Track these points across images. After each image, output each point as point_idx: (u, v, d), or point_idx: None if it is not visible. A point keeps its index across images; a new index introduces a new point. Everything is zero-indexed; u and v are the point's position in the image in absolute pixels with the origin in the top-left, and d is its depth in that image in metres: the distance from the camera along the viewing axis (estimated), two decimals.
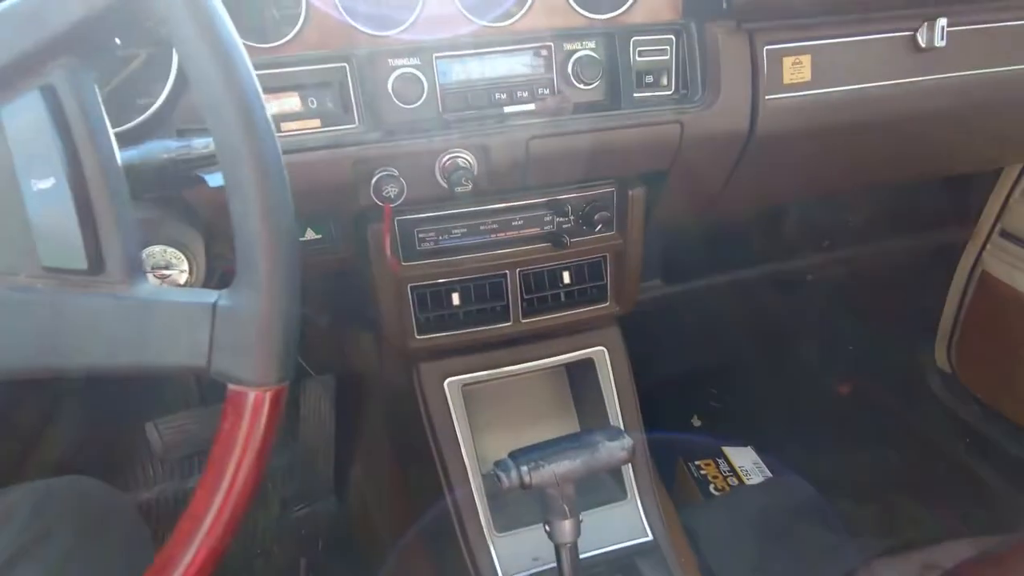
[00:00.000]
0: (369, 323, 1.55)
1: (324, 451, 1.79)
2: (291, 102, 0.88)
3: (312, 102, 0.89)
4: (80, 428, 1.34)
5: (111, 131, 0.48)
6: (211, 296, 0.47)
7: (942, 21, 1.01)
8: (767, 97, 0.98)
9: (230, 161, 0.46)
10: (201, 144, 0.65)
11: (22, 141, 0.46)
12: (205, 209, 0.85)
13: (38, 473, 1.00)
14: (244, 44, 0.84)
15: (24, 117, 0.45)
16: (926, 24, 1.02)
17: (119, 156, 0.49)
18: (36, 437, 1.30)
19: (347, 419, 1.78)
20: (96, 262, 0.47)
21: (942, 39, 1.02)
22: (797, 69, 0.99)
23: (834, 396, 1.91)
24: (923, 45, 1.02)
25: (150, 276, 0.83)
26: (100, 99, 0.48)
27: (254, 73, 0.46)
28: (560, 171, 0.98)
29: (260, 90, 0.46)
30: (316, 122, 0.89)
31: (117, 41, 0.50)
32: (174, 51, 0.81)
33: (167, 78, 0.83)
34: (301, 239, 1.00)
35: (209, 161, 0.66)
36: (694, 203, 1.14)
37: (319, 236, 1.00)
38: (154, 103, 0.84)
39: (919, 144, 1.21)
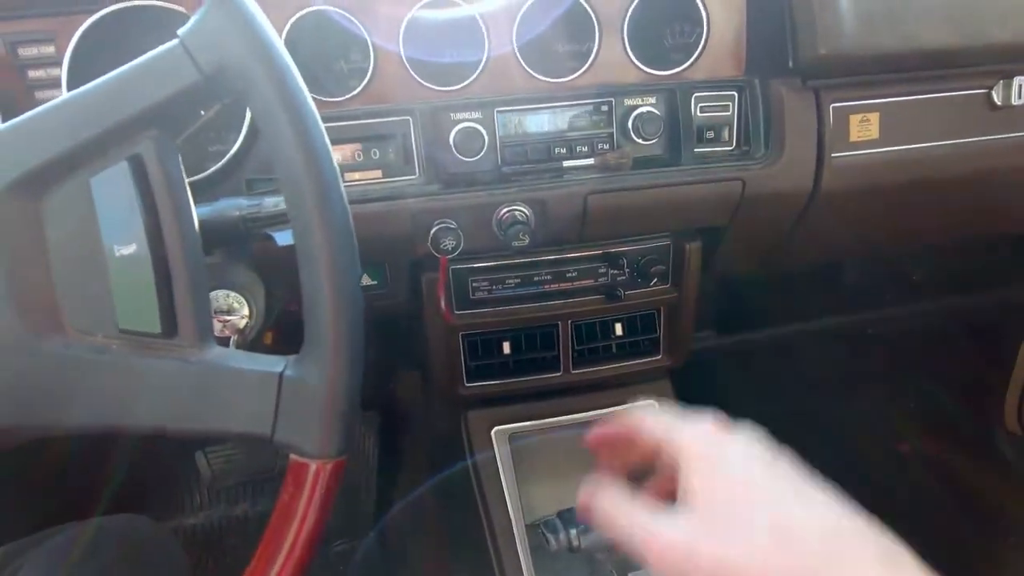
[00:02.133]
0: (415, 362, 1.56)
1: (366, 487, 1.79)
2: (354, 153, 0.91)
3: (375, 153, 0.91)
4: (130, 455, 1.38)
5: (191, 199, 0.50)
6: (278, 365, 0.47)
7: (1020, 79, 0.97)
8: (833, 155, 0.95)
9: (301, 228, 0.47)
10: (271, 203, 0.67)
11: (109, 208, 0.48)
12: (270, 260, 0.87)
13: (89, 503, 1.03)
14: (316, 99, 0.89)
15: (113, 185, 0.47)
16: (1002, 82, 0.98)
17: (196, 221, 0.50)
18: (90, 470, 1.34)
19: (390, 456, 1.78)
20: (169, 326, 0.48)
21: (1020, 97, 0.98)
22: (864, 127, 0.96)
23: (894, 456, 1.82)
24: (999, 103, 0.99)
25: (213, 321, 0.85)
26: (183, 169, 0.50)
27: (328, 143, 0.47)
28: (617, 226, 0.97)
29: (333, 158, 0.47)
30: (378, 173, 0.91)
31: (202, 113, 0.52)
32: None
33: (240, 127, 0.86)
34: None
35: (279, 220, 0.67)
36: (752, 258, 1.11)
37: (375, 282, 1.02)
38: (227, 151, 0.87)
39: (990, 202, 1.16)
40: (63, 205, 0.48)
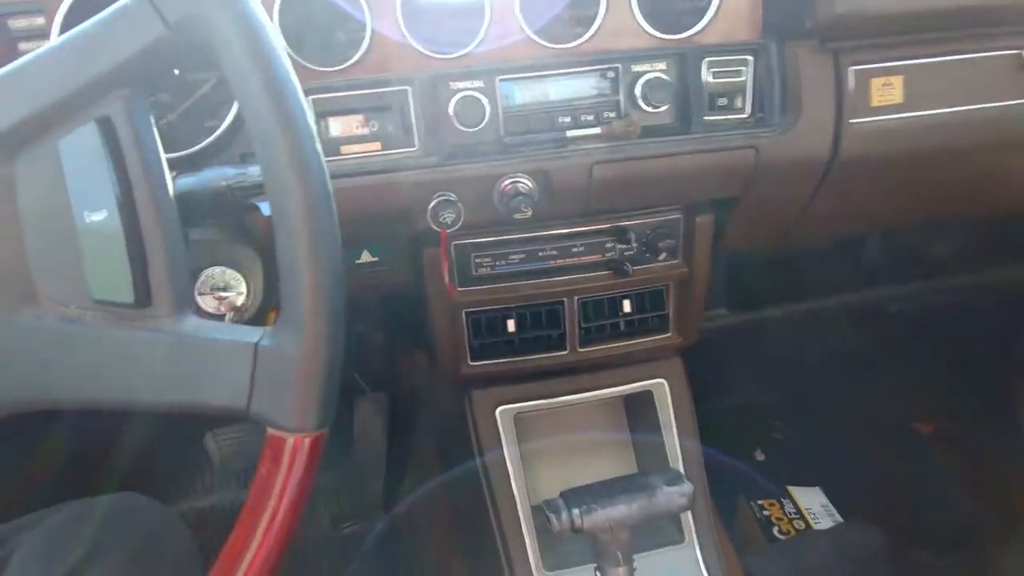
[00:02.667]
0: (424, 342, 1.54)
1: (375, 469, 1.78)
2: (352, 125, 0.88)
3: (373, 125, 0.88)
4: (138, 438, 1.38)
5: (165, 162, 0.48)
6: (254, 335, 0.45)
7: None
8: (852, 121, 0.91)
9: (275, 190, 0.44)
10: (257, 172, 0.64)
11: (78, 173, 0.45)
12: (262, 233, 0.85)
13: (93, 484, 1.03)
14: (308, 67, 0.86)
15: (81, 149, 0.45)
16: None
17: (172, 187, 0.48)
18: (96, 449, 1.34)
19: (399, 437, 1.77)
20: (143, 296, 0.46)
21: None
22: (887, 91, 0.92)
23: (914, 435, 1.77)
24: None
25: (208, 298, 0.83)
26: (155, 129, 0.47)
27: (306, 106, 0.44)
28: (624, 197, 0.94)
29: (312, 125, 0.44)
30: (376, 145, 0.88)
31: (176, 72, 0.49)
32: None
33: (232, 103, 0.84)
34: (357, 261, 0.99)
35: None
36: (767, 231, 1.07)
37: (375, 259, 0.99)
38: (220, 126, 0.84)
39: (1021, 173, 1.11)
40: (33, 170, 0.45)
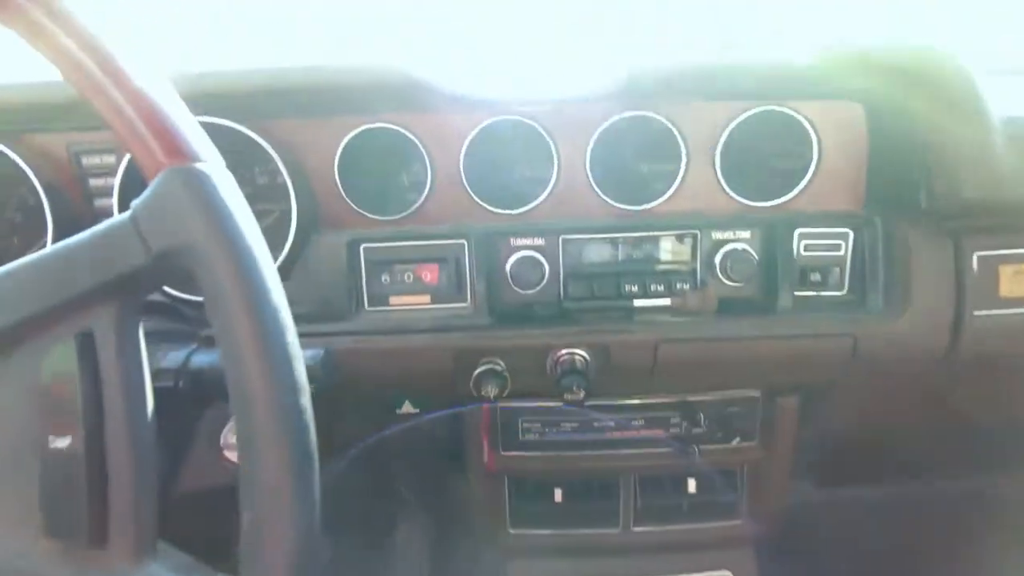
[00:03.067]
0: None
1: None
2: (404, 275, 0.83)
3: (426, 277, 0.83)
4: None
5: (148, 381, 0.42)
6: None
7: None
8: (976, 312, 0.77)
9: (249, 461, 0.37)
10: None
11: (50, 392, 0.41)
12: None
13: None
14: (363, 215, 0.83)
15: (57, 366, 0.41)
16: None
17: (151, 410, 0.42)
18: None
19: (441, 564, 1.66)
20: (98, 536, 0.40)
21: None
22: (1018, 280, 0.78)
23: None
24: None
25: (227, 453, 0.78)
26: (143, 343, 0.43)
27: (293, 362, 0.38)
28: (693, 380, 0.83)
29: (298, 382, 0.38)
30: (426, 298, 0.83)
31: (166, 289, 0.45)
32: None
33: (282, 245, 0.81)
34: (398, 411, 0.93)
35: None
36: (862, 419, 0.92)
37: (416, 410, 0.92)
38: (278, 258, 0.81)
39: None
40: (5, 384, 0.41)
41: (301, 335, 0.78)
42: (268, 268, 0.38)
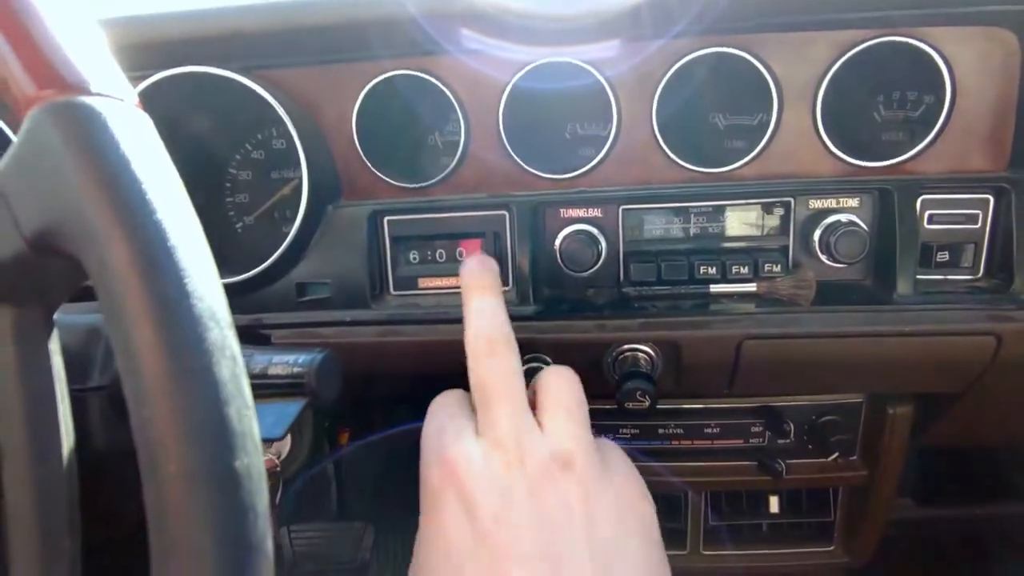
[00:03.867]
0: None
1: None
2: (435, 253, 0.70)
3: (460, 255, 0.70)
4: None
5: (66, 400, 0.31)
6: None
7: None
8: None
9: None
10: (280, 364, 0.47)
11: None
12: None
13: None
14: (388, 183, 0.70)
15: None
16: None
17: (69, 448, 0.31)
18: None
19: None
20: None
21: None
22: None
23: None
24: None
25: None
26: (58, 355, 0.31)
27: (218, 370, 0.25)
28: (782, 383, 0.68)
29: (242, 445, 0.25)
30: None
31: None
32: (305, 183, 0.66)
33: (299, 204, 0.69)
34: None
35: (288, 387, 0.47)
36: (993, 432, 0.76)
37: None
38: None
39: None
40: None
41: (318, 324, 0.67)
42: (191, 255, 0.25)
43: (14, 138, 0.25)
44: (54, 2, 0.26)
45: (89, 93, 0.25)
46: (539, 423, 0.46)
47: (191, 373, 0.23)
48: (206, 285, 0.25)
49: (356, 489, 1.38)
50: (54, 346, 0.31)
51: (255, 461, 0.25)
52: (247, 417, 0.25)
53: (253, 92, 0.65)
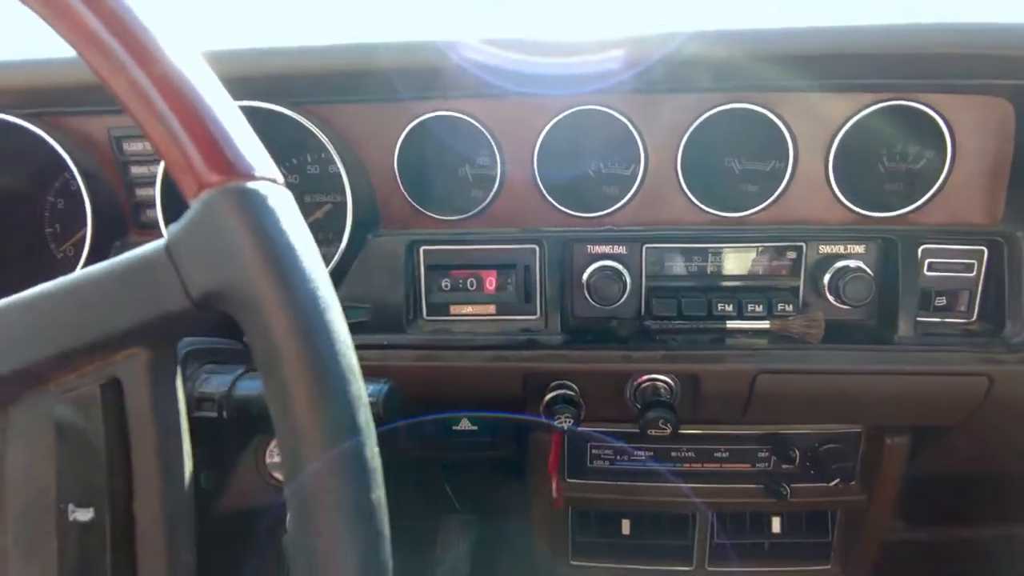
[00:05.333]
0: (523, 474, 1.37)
1: None
2: (467, 281, 0.75)
3: (491, 284, 0.75)
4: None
5: (185, 436, 0.35)
6: None
7: None
8: None
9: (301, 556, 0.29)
10: None
11: (70, 453, 0.34)
12: None
13: None
14: (424, 214, 0.74)
15: (78, 422, 0.33)
16: None
17: (189, 473, 0.35)
18: None
19: (483, 562, 1.60)
20: None
21: None
22: None
23: None
24: None
25: (273, 472, 0.72)
26: (181, 394, 0.35)
27: (367, 441, 0.29)
28: (790, 413, 0.73)
29: (372, 464, 0.29)
30: (491, 308, 0.74)
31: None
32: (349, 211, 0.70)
33: (344, 231, 0.73)
34: (455, 427, 0.85)
35: None
36: (977, 463, 0.81)
37: (475, 428, 0.84)
38: (334, 255, 0.73)
39: None
40: (26, 429, 0.34)
41: (357, 347, 0.71)
42: (335, 319, 0.30)
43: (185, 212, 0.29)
44: (216, 91, 0.30)
45: (254, 178, 0.29)
46: None
47: (339, 421, 0.28)
48: (346, 344, 0.29)
49: None
50: (179, 382, 0.35)
51: (383, 493, 0.29)
52: (376, 455, 0.29)
53: (290, 120, 0.69)
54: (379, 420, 0.51)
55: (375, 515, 0.28)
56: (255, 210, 0.28)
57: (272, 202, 0.29)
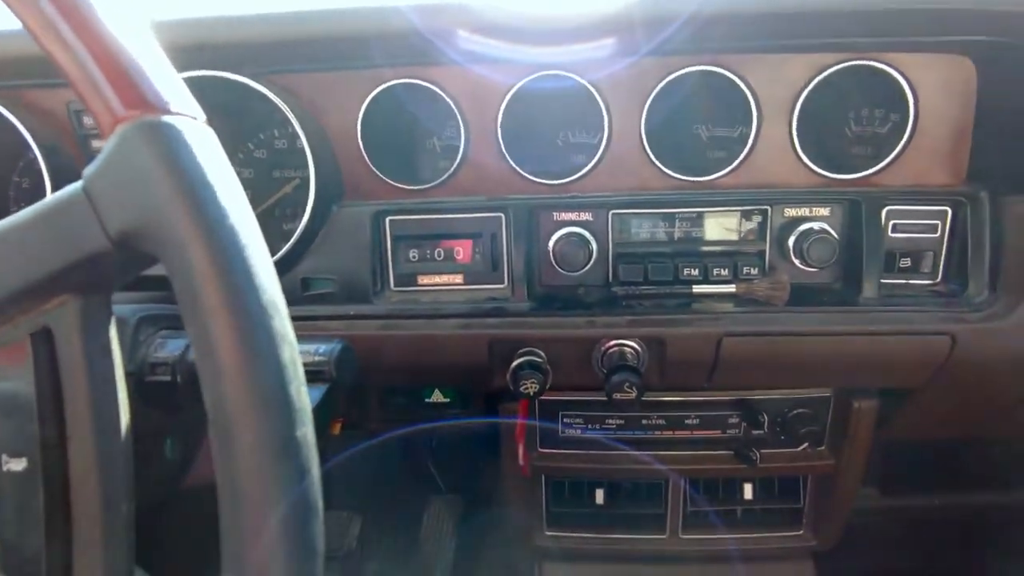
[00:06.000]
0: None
1: (441, 570, 1.63)
2: (434, 252, 0.74)
3: (458, 253, 0.74)
4: None
5: (121, 386, 0.35)
6: None
7: None
8: None
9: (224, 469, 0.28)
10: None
11: (3, 402, 0.33)
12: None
13: None
14: (389, 184, 0.74)
15: (9, 370, 0.33)
16: None
17: (125, 426, 0.34)
18: None
19: (468, 543, 1.61)
20: (59, 575, 0.33)
21: None
22: None
23: None
24: None
25: None
26: (114, 340, 0.35)
27: (284, 363, 0.29)
28: (758, 377, 0.74)
29: (291, 389, 0.29)
30: (459, 278, 0.74)
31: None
32: (311, 188, 0.69)
33: (303, 215, 0.73)
34: (427, 399, 0.85)
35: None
36: (950, 425, 0.82)
37: (447, 399, 0.84)
38: (296, 229, 0.73)
39: None
40: None
41: (322, 318, 0.71)
42: (256, 255, 0.29)
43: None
44: (131, 27, 0.30)
45: (169, 112, 0.29)
46: None
47: (260, 356, 0.28)
48: (268, 279, 0.29)
49: (343, 479, 1.41)
50: (113, 332, 0.35)
51: (310, 431, 0.29)
52: (303, 393, 0.29)
53: (257, 93, 0.68)
54: (331, 380, 0.51)
55: (300, 452, 0.28)
56: (170, 144, 0.28)
57: (188, 136, 0.29)
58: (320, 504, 0.29)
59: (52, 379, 0.33)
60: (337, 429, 1.05)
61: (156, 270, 0.30)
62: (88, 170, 0.29)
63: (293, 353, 0.29)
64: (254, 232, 0.30)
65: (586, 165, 0.70)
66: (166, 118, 0.29)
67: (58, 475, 0.33)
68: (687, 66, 0.67)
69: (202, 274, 0.27)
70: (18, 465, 0.33)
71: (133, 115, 0.28)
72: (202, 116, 0.31)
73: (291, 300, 0.71)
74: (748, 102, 0.68)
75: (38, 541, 0.33)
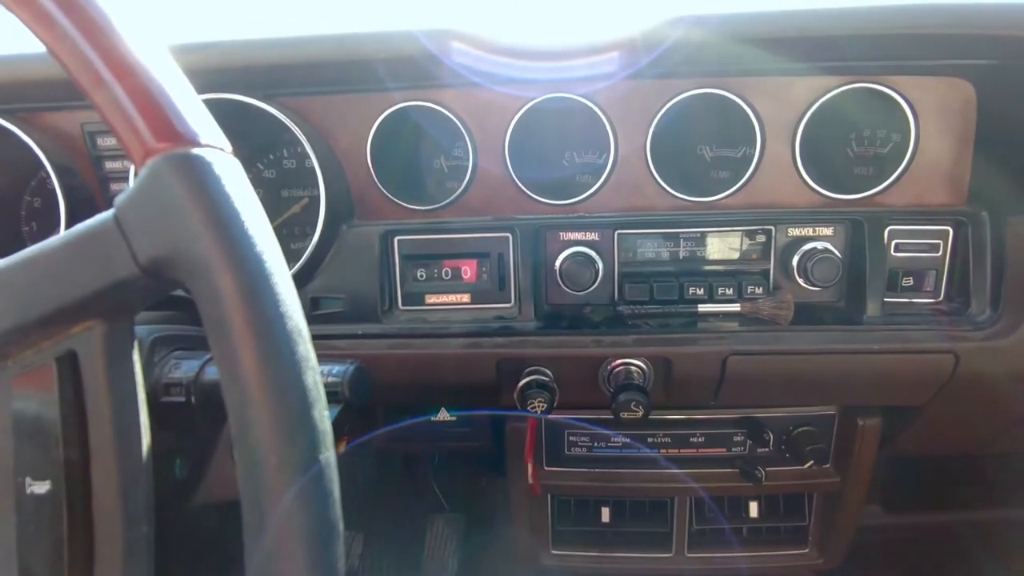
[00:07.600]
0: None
1: None
2: (441, 272, 0.75)
3: (465, 273, 0.75)
4: None
5: (143, 406, 0.35)
6: None
7: None
8: None
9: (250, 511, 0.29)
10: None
11: (26, 427, 0.34)
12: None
13: None
14: (398, 204, 0.75)
15: (34, 395, 0.34)
16: None
17: (146, 448, 0.35)
18: None
19: (471, 563, 1.60)
20: None
21: None
22: None
23: None
24: None
25: None
26: (137, 365, 0.35)
27: (310, 393, 0.30)
28: (762, 395, 0.74)
29: (318, 421, 0.29)
30: (466, 297, 0.75)
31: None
32: (322, 203, 0.70)
33: (311, 234, 0.74)
34: (432, 418, 0.85)
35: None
36: (955, 443, 0.82)
37: (453, 418, 0.85)
38: (306, 249, 0.74)
39: None
40: None
41: (331, 336, 0.71)
42: (282, 282, 0.30)
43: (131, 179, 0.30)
44: (159, 57, 0.31)
45: (199, 145, 0.30)
46: None
47: (287, 382, 0.28)
48: (293, 306, 0.30)
49: (345, 497, 1.41)
50: (136, 355, 0.35)
51: (332, 454, 0.30)
52: (325, 417, 0.30)
53: (267, 115, 0.69)
54: (344, 401, 0.52)
55: (324, 475, 0.29)
56: (200, 176, 0.29)
57: (217, 168, 0.30)
58: (341, 525, 0.30)
59: (77, 403, 0.33)
60: (342, 448, 1.05)
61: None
62: (119, 199, 0.30)
63: (316, 377, 0.30)
64: (279, 260, 0.30)
65: (592, 185, 0.71)
66: (195, 151, 0.30)
67: (81, 497, 0.33)
68: (692, 88, 0.68)
69: (230, 301, 0.28)
70: (41, 488, 0.33)
71: (165, 147, 0.29)
72: (229, 147, 0.31)
73: None
74: (752, 124, 0.69)
75: (60, 563, 0.33)
